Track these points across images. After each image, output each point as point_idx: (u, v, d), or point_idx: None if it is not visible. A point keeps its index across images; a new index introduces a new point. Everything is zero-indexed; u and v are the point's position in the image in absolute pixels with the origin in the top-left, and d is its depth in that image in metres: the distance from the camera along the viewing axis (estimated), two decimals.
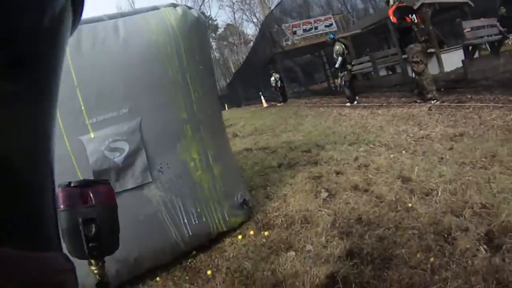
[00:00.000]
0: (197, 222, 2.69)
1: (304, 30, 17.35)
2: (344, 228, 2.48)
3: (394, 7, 6.50)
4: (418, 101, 6.77)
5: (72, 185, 0.54)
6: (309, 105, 12.53)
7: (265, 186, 3.91)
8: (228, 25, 53.49)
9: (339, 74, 9.27)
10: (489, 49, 10.46)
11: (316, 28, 17.38)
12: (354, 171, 3.60)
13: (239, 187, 3.05)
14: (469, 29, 9.85)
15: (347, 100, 9.45)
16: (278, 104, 16.83)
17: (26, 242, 0.22)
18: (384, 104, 7.76)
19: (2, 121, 0.20)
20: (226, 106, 35.96)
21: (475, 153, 3.28)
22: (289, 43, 17.31)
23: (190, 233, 2.64)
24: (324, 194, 3.15)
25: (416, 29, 6.43)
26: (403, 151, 3.94)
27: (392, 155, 3.85)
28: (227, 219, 2.89)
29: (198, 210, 2.71)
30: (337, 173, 3.66)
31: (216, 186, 2.81)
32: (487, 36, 9.64)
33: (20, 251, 0.19)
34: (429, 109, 6.00)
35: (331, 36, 9.77)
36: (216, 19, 60.96)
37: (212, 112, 2.82)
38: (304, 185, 3.51)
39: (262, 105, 19.25)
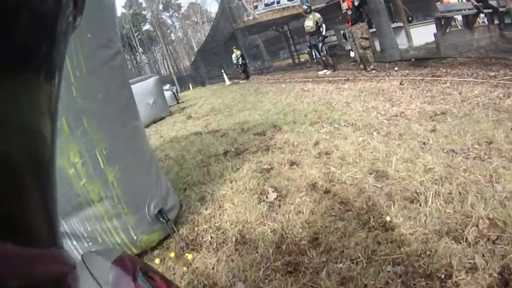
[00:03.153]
0: (90, 245, 1.98)
1: (266, 4, 15.78)
2: (292, 256, 1.63)
3: None
4: (363, 71, 7.56)
5: None
6: (271, 81, 11.58)
7: (202, 182, 3.02)
8: (191, 3, 51.60)
9: (324, 42, 9.44)
10: (463, 24, 9.88)
11: (278, 2, 15.86)
12: (313, 161, 2.75)
13: (154, 194, 2.19)
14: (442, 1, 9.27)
15: (327, 69, 9.34)
16: (241, 82, 15.80)
17: (27, 238, 0.21)
18: (350, 78, 6.99)
19: (2, 119, 0.19)
20: (190, 85, 34.91)
21: (465, 137, 2.53)
22: (250, 18, 15.99)
23: None
24: (272, 196, 2.30)
25: (364, 11, 7.43)
26: (374, 133, 3.15)
27: (360, 138, 3.05)
28: (136, 238, 2.09)
29: (89, 230, 1.97)
30: (292, 163, 2.81)
31: (113, 196, 1.98)
32: (461, 10, 9.00)
33: (21, 248, 0.18)
34: (400, 83, 5.29)
35: (307, 4, 9.63)
36: None
37: (104, 95, 1.94)
38: (248, 182, 2.64)
39: (225, 83, 18.22)
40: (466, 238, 1.48)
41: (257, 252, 1.75)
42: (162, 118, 9.63)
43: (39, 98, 0.22)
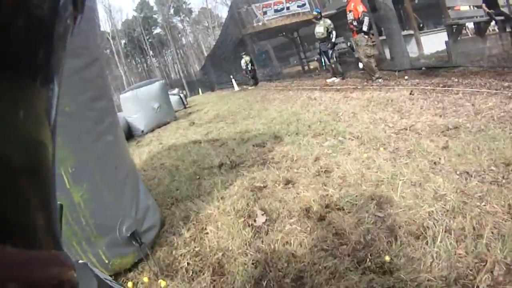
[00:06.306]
0: None
1: (276, 11, 15.52)
2: None
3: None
4: (368, 81, 7.27)
5: None
6: (279, 88, 11.33)
7: (191, 198, 2.80)
8: (202, 8, 52.06)
9: (334, 49, 9.23)
10: (474, 31, 9.54)
11: (288, 8, 15.59)
12: (310, 180, 2.50)
13: (127, 215, 2.00)
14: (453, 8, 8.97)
15: (336, 76, 9.12)
16: (249, 88, 15.62)
17: (27, 240, 0.21)
18: (359, 87, 6.72)
19: (3, 120, 0.19)
20: (200, 90, 35.19)
21: (481, 157, 2.27)
22: (260, 24, 15.76)
23: None
24: (261, 219, 2.06)
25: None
26: (381, 148, 2.89)
27: (365, 154, 2.80)
28: (107, 261, 1.92)
29: None
30: (287, 182, 2.56)
31: (80, 218, 1.81)
32: (473, 17, 8.67)
33: (21, 250, 0.19)
34: (410, 93, 5.01)
35: (317, 10, 9.61)
36: (190, 3, 58.72)
37: (73, 108, 1.75)
38: (237, 201, 2.40)
39: (234, 89, 18.07)
40: (478, 287, 1.23)
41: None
42: (167, 123, 9.47)
43: (37, 104, 0.21)
